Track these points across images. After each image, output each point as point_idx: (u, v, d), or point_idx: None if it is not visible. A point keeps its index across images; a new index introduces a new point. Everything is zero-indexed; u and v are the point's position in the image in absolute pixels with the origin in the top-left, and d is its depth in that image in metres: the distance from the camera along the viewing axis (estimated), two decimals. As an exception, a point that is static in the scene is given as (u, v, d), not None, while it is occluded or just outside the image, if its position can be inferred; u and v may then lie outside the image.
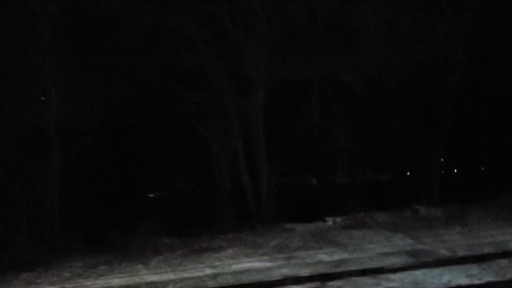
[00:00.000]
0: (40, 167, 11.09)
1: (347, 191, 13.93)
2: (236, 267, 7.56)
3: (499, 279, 6.02)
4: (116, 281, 7.20)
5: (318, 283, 6.41)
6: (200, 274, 7.25)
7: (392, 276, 6.53)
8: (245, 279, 6.76)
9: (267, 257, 8.10)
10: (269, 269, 7.27)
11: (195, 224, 11.31)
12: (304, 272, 6.93)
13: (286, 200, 13.14)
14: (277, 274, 6.89)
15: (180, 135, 14.10)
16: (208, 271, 7.41)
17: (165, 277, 7.22)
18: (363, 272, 6.76)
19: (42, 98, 12.03)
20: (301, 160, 14.57)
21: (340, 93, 14.53)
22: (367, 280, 6.44)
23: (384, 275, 6.57)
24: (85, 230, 10.82)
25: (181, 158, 13.61)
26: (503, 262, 6.79)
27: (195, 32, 12.73)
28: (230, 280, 6.74)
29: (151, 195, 12.23)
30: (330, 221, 11.11)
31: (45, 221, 10.69)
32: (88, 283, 7.20)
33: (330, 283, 6.37)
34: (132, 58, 12.92)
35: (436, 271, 6.63)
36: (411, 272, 6.68)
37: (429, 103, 14.65)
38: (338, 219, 11.14)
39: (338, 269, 6.98)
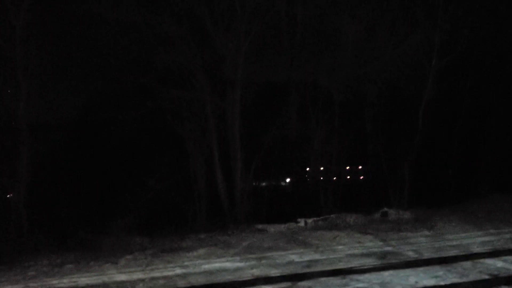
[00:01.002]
0: (7, 162, 10.79)
1: (319, 193, 14.08)
2: (207, 267, 7.53)
3: (462, 280, 6.20)
4: (83, 280, 7.06)
5: (289, 283, 6.44)
6: (170, 273, 7.19)
7: (361, 276, 6.62)
8: (216, 279, 6.74)
9: (238, 257, 8.10)
10: (240, 269, 7.27)
11: (167, 223, 11.21)
12: (275, 272, 6.97)
13: (259, 201, 13.17)
14: (248, 274, 6.90)
15: (155, 133, 13.97)
16: (178, 270, 7.35)
17: (135, 276, 7.13)
18: (333, 273, 6.84)
19: (9, 90, 11.71)
20: (276, 161, 14.63)
21: (317, 97, 14.69)
22: (337, 280, 6.51)
23: (353, 276, 6.66)
24: (52, 228, 10.56)
25: (155, 156, 13.48)
26: (467, 264, 6.99)
27: (174, 30, 12.65)
28: (201, 280, 6.70)
29: (123, 193, 12.04)
30: (301, 222, 11.18)
31: (10, 218, 10.39)
32: (54, 282, 7.03)
33: (301, 283, 6.41)
34: (108, 54, 12.75)
35: (403, 272, 6.75)
36: (379, 273, 6.79)
37: (403, 110, 14.97)
38: (309, 221, 11.22)
39: (308, 270, 7.05)
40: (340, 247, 8.66)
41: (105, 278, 7.07)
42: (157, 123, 13.47)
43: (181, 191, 12.70)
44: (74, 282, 6.94)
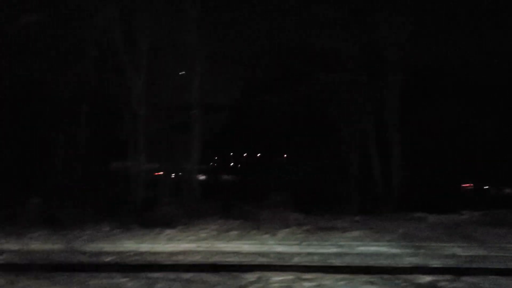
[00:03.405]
0: (183, 136, 12.20)
1: (486, 184, 12.80)
2: (362, 249, 7.52)
3: None
4: (245, 247, 7.68)
5: (450, 276, 6.07)
6: (326, 251, 7.37)
7: (539, 281, 5.90)
8: (371, 262, 6.68)
9: (394, 243, 7.91)
10: (397, 255, 7.08)
11: (320, 202, 11.45)
12: (435, 263, 6.61)
13: (417, 189, 12.53)
14: (405, 262, 6.69)
15: (309, 116, 14.25)
16: (333, 249, 7.50)
17: (292, 249, 7.50)
18: (503, 272, 6.23)
19: (181, 72, 13.01)
20: (436, 150, 13.72)
21: (481, 82, 13.27)
22: (508, 280, 5.92)
23: (528, 279, 5.97)
24: (220, 199, 11.66)
25: (310, 138, 13.79)
26: None
27: (331, 13, 12.63)
28: (356, 261, 6.72)
29: (279, 171, 12.70)
30: (466, 215, 10.33)
31: (185, 187, 11.79)
32: (221, 245, 7.82)
33: (464, 278, 5.99)
34: (262, 39, 13.32)
35: None
36: None
37: None
38: (475, 214, 10.30)
39: (473, 265, 6.52)
40: (510, 245, 7.80)
41: (265, 248, 7.60)
42: (311, 106, 13.70)
43: (335, 173, 12.80)
44: (238, 247, 7.62)
